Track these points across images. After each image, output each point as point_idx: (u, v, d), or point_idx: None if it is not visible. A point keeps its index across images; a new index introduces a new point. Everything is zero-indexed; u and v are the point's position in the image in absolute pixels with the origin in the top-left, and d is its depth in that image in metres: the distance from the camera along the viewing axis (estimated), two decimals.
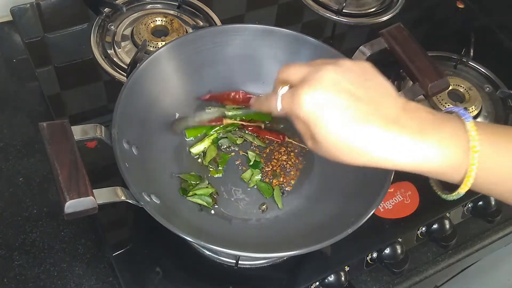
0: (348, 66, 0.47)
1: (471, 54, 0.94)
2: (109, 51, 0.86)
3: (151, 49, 0.85)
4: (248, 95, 0.76)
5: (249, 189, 0.70)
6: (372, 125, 0.44)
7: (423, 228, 0.75)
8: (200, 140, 0.73)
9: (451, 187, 0.49)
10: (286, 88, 0.50)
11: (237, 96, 0.76)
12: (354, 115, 0.44)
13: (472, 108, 0.85)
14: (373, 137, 0.44)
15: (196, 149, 0.72)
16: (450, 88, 0.87)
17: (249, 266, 0.68)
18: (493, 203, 0.78)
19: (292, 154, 0.74)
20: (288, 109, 0.48)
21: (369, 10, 1.01)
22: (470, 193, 0.76)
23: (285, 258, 0.68)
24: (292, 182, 0.72)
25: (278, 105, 0.49)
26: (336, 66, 0.46)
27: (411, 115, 0.45)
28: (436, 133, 0.45)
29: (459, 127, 0.46)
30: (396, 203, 0.74)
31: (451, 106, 0.47)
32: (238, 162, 0.73)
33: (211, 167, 0.71)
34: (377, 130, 0.44)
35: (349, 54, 0.73)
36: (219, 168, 0.71)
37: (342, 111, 0.44)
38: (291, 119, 0.49)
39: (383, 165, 0.46)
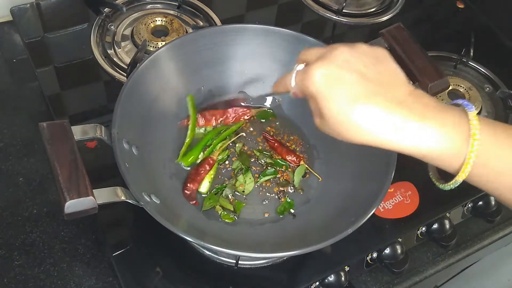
0: (363, 49, 0.48)
1: (471, 54, 0.94)
2: (109, 51, 0.86)
3: (151, 49, 0.85)
4: (243, 112, 0.76)
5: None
6: (377, 105, 0.45)
7: (423, 228, 0.75)
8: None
9: (449, 178, 0.49)
10: (302, 65, 0.51)
11: (232, 114, 0.76)
12: (361, 93, 0.45)
13: None
14: (377, 117, 0.45)
15: (204, 188, 0.69)
16: (450, 88, 0.88)
17: (249, 266, 0.68)
18: (493, 203, 0.78)
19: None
20: (300, 84, 0.49)
21: (369, 10, 1.01)
22: (470, 193, 0.77)
23: (285, 258, 0.68)
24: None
25: (292, 81, 0.51)
26: (351, 48, 0.48)
27: (417, 100, 0.46)
28: (439, 118, 0.46)
29: (462, 116, 0.46)
30: (396, 203, 0.74)
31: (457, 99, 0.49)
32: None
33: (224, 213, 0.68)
34: (382, 110, 0.45)
35: None
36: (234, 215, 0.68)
37: (350, 88, 0.46)
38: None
39: (384, 146, 0.47)
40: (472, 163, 0.45)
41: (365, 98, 0.45)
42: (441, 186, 0.51)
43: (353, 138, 0.47)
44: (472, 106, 0.47)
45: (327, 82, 0.46)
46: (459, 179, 0.47)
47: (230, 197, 0.69)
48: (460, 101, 0.49)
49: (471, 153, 0.45)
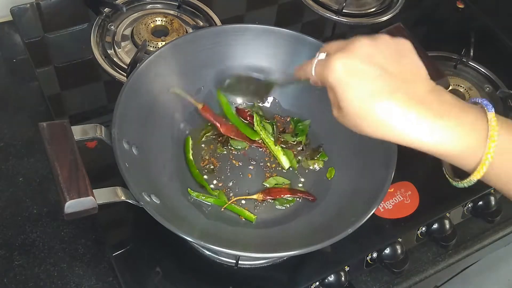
0: (385, 41, 0.48)
1: (471, 54, 0.94)
2: (109, 51, 0.86)
3: (151, 49, 0.85)
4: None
5: (248, 190, 0.70)
6: (397, 100, 0.45)
7: (423, 228, 0.75)
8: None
9: (463, 175, 0.49)
10: (323, 54, 0.51)
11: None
12: (381, 88, 0.45)
13: None
14: (396, 112, 0.45)
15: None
16: (450, 88, 0.87)
17: (249, 266, 0.68)
18: (493, 203, 0.78)
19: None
20: (320, 74, 0.49)
21: (369, 10, 1.01)
22: (470, 193, 0.77)
23: (285, 258, 0.68)
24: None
25: (313, 70, 0.51)
26: (373, 40, 0.48)
27: (437, 98, 0.46)
28: (458, 117, 0.46)
29: (481, 116, 0.46)
30: (396, 203, 0.74)
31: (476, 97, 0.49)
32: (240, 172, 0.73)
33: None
34: (401, 106, 0.45)
35: None
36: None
37: (370, 81, 0.45)
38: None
39: (401, 141, 0.47)
40: (488, 164, 0.45)
41: (386, 94, 0.45)
42: (455, 183, 0.51)
43: (370, 132, 0.47)
44: (492, 106, 0.47)
45: (348, 74, 0.46)
46: (474, 178, 0.47)
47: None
48: (479, 100, 0.48)
49: (487, 154, 0.45)
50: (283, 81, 0.73)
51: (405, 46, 0.49)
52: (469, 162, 0.47)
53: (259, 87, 0.74)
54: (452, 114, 0.46)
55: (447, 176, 0.53)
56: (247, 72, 0.74)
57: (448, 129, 0.45)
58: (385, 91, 0.45)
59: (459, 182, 0.50)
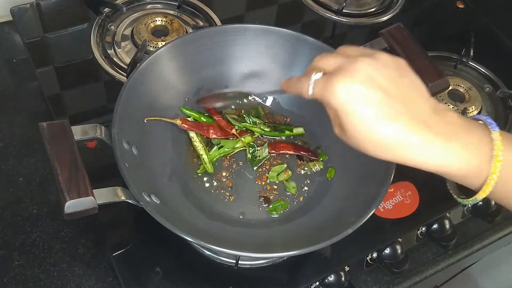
0: (385, 61, 0.47)
1: (471, 54, 0.94)
2: (109, 51, 0.86)
3: (151, 49, 0.85)
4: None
5: (248, 190, 0.70)
6: (402, 124, 0.45)
7: (423, 228, 0.75)
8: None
9: (468, 192, 0.49)
10: (319, 74, 0.49)
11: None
12: (386, 112, 0.45)
13: (472, 108, 0.85)
14: (401, 135, 0.45)
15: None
16: (450, 88, 0.87)
17: (249, 266, 0.68)
18: (493, 203, 0.78)
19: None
20: (319, 95, 0.48)
21: (369, 10, 1.01)
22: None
23: (285, 258, 0.68)
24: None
25: (309, 90, 0.49)
26: (373, 60, 0.47)
27: (440, 118, 0.46)
28: (462, 138, 0.46)
29: (485, 135, 0.46)
30: (396, 203, 0.74)
31: (479, 114, 0.49)
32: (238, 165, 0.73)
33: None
34: (406, 129, 0.45)
35: None
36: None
37: (375, 106, 0.45)
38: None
39: (407, 163, 0.46)
40: (494, 184, 0.46)
41: (391, 118, 0.45)
42: (460, 200, 0.52)
43: (374, 154, 0.47)
44: (496, 124, 0.47)
45: (351, 98, 0.45)
46: (479, 197, 0.48)
47: None
48: (483, 118, 0.48)
49: (493, 174, 0.45)
50: (263, 95, 0.73)
51: (402, 64, 0.48)
52: (475, 182, 0.47)
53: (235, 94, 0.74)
54: (458, 135, 0.45)
55: (451, 192, 0.53)
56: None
57: (453, 152, 0.45)
58: (390, 115, 0.45)
59: (464, 200, 0.50)
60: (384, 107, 0.45)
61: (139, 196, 0.57)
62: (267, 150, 0.72)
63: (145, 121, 0.68)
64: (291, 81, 0.54)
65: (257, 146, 0.73)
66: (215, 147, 0.72)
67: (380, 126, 0.45)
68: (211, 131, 0.73)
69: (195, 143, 0.71)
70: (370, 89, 0.45)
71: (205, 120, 0.74)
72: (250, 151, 0.72)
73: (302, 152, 0.72)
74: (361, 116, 0.45)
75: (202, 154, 0.71)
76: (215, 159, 0.72)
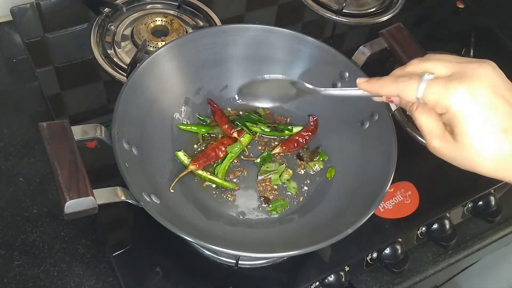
0: (499, 71, 0.45)
1: (471, 54, 0.94)
2: (109, 51, 0.86)
3: (151, 49, 0.85)
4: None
5: (248, 190, 0.70)
6: None
7: (423, 228, 0.75)
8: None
9: None
10: (432, 75, 0.45)
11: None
12: (509, 125, 0.42)
13: None
14: None
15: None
16: None
17: (249, 266, 0.68)
18: (493, 203, 0.78)
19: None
20: (434, 98, 0.44)
21: (369, 10, 1.01)
22: (470, 193, 0.77)
23: (285, 258, 0.68)
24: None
25: (419, 90, 0.45)
26: (495, 69, 0.45)
27: None
28: None
29: None
30: (396, 203, 0.74)
31: None
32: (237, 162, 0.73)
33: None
34: None
35: (349, 54, 0.73)
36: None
37: (501, 116, 0.42)
38: (411, 113, 0.46)
39: None
40: None
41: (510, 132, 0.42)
42: None
43: (482, 169, 0.44)
44: None
45: (476, 105, 0.42)
46: None
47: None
48: None
49: None
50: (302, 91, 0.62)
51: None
52: None
53: (280, 88, 0.65)
54: None
55: None
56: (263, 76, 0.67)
57: None
58: (510, 128, 0.42)
59: None
60: (507, 119, 0.42)
61: (139, 196, 0.57)
62: (284, 174, 0.72)
63: (171, 191, 0.67)
64: (379, 82, 0.49)
65: (268, 147, 0.74)
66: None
67: (501, 138, 0.42)
68: (219, 152, 0.71)
69: (202, 175, 0.70)
70: (496, 97, 0.42)
71: (204, 130, 0.74)
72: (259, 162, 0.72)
73: (306, 138, 0.73)
74: (485, 124, 0.42)
75: (214, 180, 0.70)
76: (226, 170, 0.71)
